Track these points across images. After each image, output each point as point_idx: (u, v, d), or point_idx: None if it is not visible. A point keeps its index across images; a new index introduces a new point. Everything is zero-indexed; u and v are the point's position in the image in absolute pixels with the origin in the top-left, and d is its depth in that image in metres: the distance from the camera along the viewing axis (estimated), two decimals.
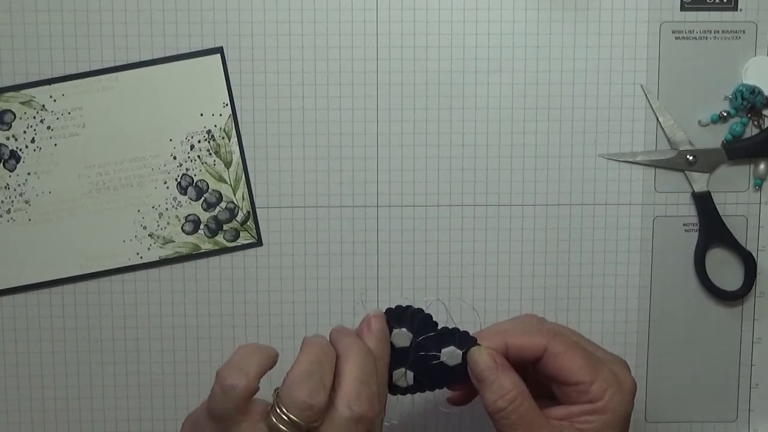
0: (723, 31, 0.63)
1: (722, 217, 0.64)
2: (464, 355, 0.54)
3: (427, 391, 0.55)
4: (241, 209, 0.63)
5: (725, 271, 0.65)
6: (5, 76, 0.62)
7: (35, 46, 0.61)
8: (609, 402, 0.52)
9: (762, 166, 0.64)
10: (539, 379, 0.55)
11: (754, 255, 0.64)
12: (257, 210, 0.63)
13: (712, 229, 0.64)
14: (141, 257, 0.63)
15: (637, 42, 0.63)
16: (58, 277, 0.63)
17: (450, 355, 0.54)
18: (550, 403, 0.54)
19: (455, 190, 0.64)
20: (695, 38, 0.63)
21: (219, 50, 0.62)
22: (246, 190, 0.63)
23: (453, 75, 0.63)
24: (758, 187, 0.64)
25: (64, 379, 0.64)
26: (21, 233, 0.62)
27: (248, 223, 0.63)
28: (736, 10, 0.63)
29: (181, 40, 0.62)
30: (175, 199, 0.63)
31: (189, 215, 0.63)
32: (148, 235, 0.63)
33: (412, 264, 0.64)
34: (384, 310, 0.54)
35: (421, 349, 0.54)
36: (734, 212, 0.64)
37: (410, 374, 0.54)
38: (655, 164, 0.64)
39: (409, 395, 0.55)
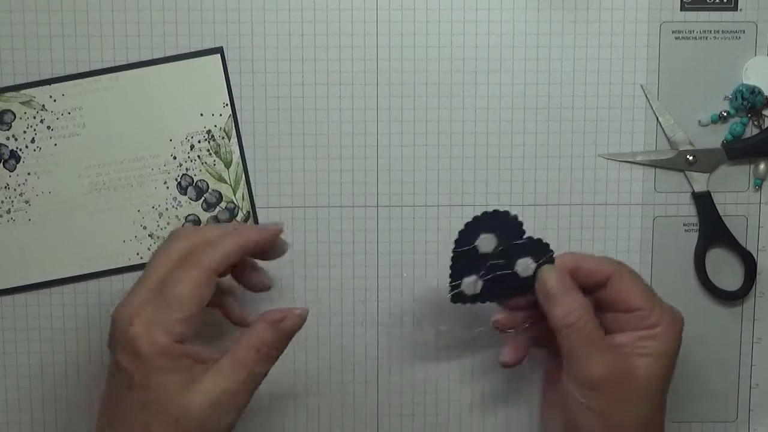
0: (723, 31, 0.63)
1: (722, 217, 0.64)
2: (537, 268, 0.56)
3: (488, 302, 0.57)
4: (241, 209, 0.63)
5: (725, 271, 0.65)
6: (5, 76, 0.62)
7: (35, 46, 0.61)
8: (663, 331, 0.55)
9: (762, 166, 0.64)
10: (596, 310, 0.57)
11: (754, 255, 0.64)
12: (257, 210, 0.63)
13: (712, 229, 0.64)
14: (141, 257, 0.63)
15: (637, 42, 0.63)
16: (58, 277, 0.63)
17: (524, 266, 0.56)
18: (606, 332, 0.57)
19: (455, 190, 0.64)
20: (695, 38, 0.63)
21: (219, 50, 0.62)
22: (246, 190, 0.63)
23: (453, 75, 0.63)
24: (758, 187, 0.64)
25: (64, 379, 0.64)
26: (21, 233, 0.62)
27: (248, 223, 0.63)
28: (736, 10, 0.63)
29: (181, 40, 0.62)
30: (175, 199, 0.63)
31: (189, 215, 0.63)
32: (148, 235, 0.63)
33: (412, 264, 0.64)
34: (473, 218, 0.55)
35: (500, 257, 0.55)
36: (734, 212, 0.64)
37: (480, 283, 0.56)
38: (655, 164, 0.64)
39: (469, 304, 0.57)
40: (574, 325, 0.54)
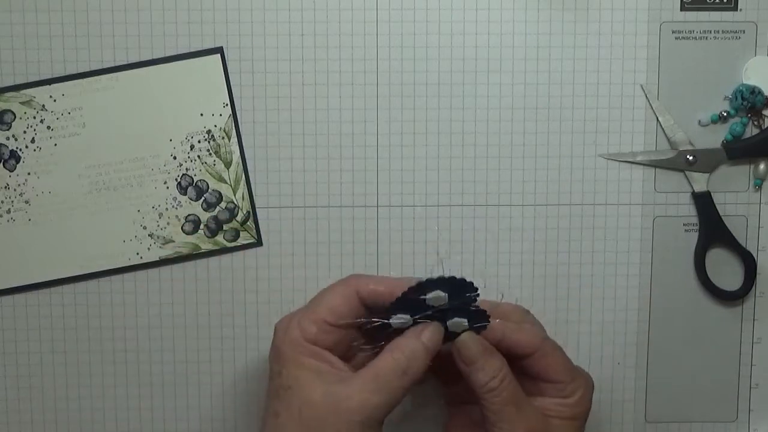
0: (723, 31, 0.63)
1: (722, 217, 0.64)
2: (450, 294, 0.55)
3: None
4: (241, 209, 0.63)
5: (725, 271, 0.65)
6: (5, 76, 0.62)
7: (35, 46, 0.61)
8: (578, 400, 0.57)
9: (762, 166, 0.64)
10: (518, 374, 0.58)
11: (754, 255, 0.64)
12: (257, 210, 0.63)
13: (712, 229, 0.64)
14: (141, 257, 0.63)
15: (637, 42, 0.63)
16: (58, 277, 0.63)
17: (456, 324, 0.56)
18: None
19: (455, 190, 0.64)
20: (695, 38, 0.63)
21: (219, 50, 0.62)
22: (246, 190, 0.63)
23: (453, 75, 0.63)
24: (758, 187, 0.64)
25: (64, 379, 0.64)
26: (21, 233, 0.62)
27: (248, 223, 0.63)
28: (736, 10, 0.63)
29: (181, 40, 0.62)
30: (175, 199, 0.63)
31: (189, 215, 0.63)
32: (148, 235, 0.63)
33: (412, 264, 0.64)
34: (437, 277, 0.55)
35: (440, 311, 0.56)
36: (734, 212, 0.64)
37: (410, 322, 0.56)
38: (655, 164, 0.64)
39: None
40: (497, 389, 0.55)
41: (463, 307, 0.56)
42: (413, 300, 0.55)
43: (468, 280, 0.55)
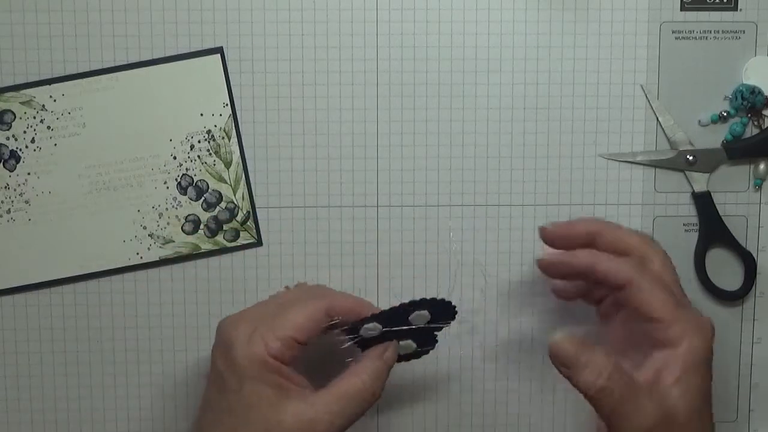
0: (723, 31, 0.63)
1: (722, 217, 0.64)
2: (432, 315, 0.56)
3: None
4: (241, 209, 0.63)
5: (725, 271, 0.65)
6: (5, 76, 0.62)
7: (35, 46, 0.61)
8: (689, 348, 0.52)
9: (762, 166, 0.64)
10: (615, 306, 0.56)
11: (754, 255, 0.64)
12: (257, 210, 0.63)
13: (712, 229, 0.64)
14: (141, 257, 0.63)
15: (637, 42, 0.63)
16: (58, 277, 0.63)
17: (418, 316, 0.56)
18: (633, 363, 0.54)
19: (455, 190, 0.64)
20: (695, 38, 0.63)
21: (219, 50, 0.62)
22: (246, 190, 0.63)
23: (453, 75, 0.63)
24: (758, 187, 0.64)
25: (64, 379, 0.64)
26: (21, 233, 0.62)
27: (248, 223, 0.63)
28: (736, 10, 0.63)
29: (181, 40, 0.62)
30: (175, 199, 0.63)
31: (189, 215, 0.63)
32: (148, 235, 0.63)
33: (412, 264, 0.64)
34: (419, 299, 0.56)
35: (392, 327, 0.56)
36: (734, 212, 0.64)
37: (380, 330, 0.56)
38: (655, 164, 0.64)
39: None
40: (607, 387, 0.51)
41: (434, 328, 0.57)
42: (393, 316, 0.56)
43: (452, 303, 0.56)
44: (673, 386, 0.52)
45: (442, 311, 0.56)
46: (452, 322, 0.57)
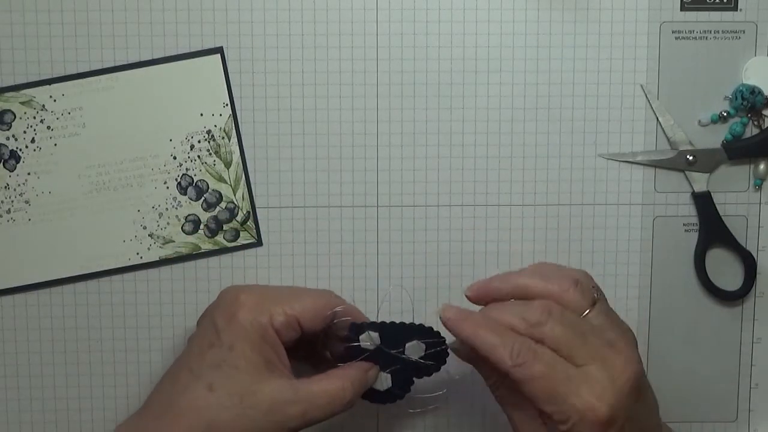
0: (723, 31, 0.63)
1: (722, 217, 0.64)
2: (427, 347, 0.57)
3: (406, 395, 0.58)
4: (241, 209, 0.63)
5: (725, 271, 0.65)
6: (5, 76, 0.62)
7: (35, 46, 0.61)
8: (592, 412, 0.51)
9: (762, 166, 0.64)
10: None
11: (754, 255, 0.64)
12: (257, 210, 0.63)
13: (712, 229, 0.64)
14: (141, 257, 0.63)
15: (637, 42, 0.63)
16: (58, 277, 0.63)
17: (414, 347, 0.57)
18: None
19: (455, 190, 0.64)
20: (695, 38, 0.63)
21: (219, 50, 0.62)
22: (246, 190, 0.63)
23: (453, 75, 0.63)
24: (758, 187, 0.64)
25: (64, 379, 0.64)
26: (21, 233, 0.62)
27: (248, 223, 0.63)
28: (736, 10, 0.63)
29: (181, 40, 0.62)
30: (175, 199, 0.63)
31: (189, 215, 0.63)
32: (148, 235, 0.63)
33: (412, 264, 0.64)
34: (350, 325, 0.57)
35: (387, 349, 0.57)
36: (734, 212, 0.64)
37: (386, 377, 0.57)
38: (655, 164, 0.64)
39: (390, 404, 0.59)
40: (526, 362, 0.50)
41: (422, 368, 0.58)
42: (393, 332, 0.57)
43: (447, 349, 0.57)
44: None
45: (438, 354, 0.57)
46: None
